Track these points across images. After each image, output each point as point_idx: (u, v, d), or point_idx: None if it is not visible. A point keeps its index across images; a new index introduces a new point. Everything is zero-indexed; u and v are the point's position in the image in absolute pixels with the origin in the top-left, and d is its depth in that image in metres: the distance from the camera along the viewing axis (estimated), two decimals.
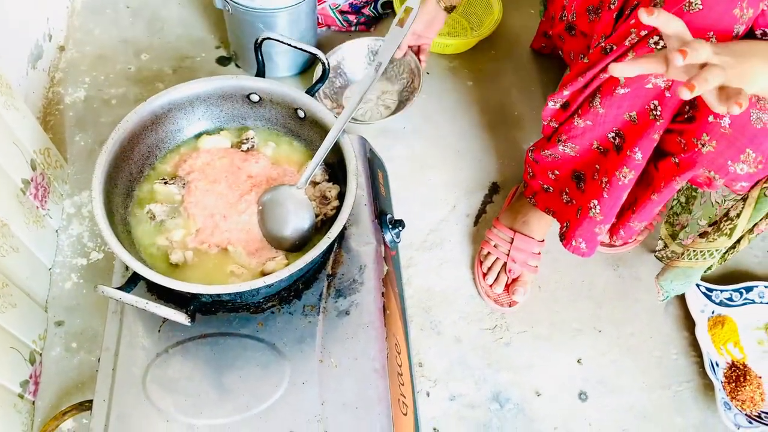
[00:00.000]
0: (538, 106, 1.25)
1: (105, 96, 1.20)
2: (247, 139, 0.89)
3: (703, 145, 0.73)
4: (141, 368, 0.79)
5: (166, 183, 0.84)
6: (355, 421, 0.77)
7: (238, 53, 1.25)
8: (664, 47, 0.70)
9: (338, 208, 0.82)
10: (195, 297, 0.74)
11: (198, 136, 0.90)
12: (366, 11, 1.34)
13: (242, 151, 0.88)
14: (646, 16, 0.55)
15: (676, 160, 0.79)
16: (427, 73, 1.29)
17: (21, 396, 0.85)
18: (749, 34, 0.70)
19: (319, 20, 1.32)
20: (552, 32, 1.06)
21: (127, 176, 0.83)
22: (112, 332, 0.83)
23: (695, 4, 0.66)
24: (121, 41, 1.28)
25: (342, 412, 0.78)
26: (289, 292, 0.84)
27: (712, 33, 0.67)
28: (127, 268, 0.84)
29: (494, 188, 1.17)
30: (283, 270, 0.73)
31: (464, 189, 1.16)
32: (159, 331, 0.82)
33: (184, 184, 0.85)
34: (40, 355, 0.92)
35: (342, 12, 1.33)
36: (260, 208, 0.81)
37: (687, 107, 0.75)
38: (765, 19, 0.70)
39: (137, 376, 0.79)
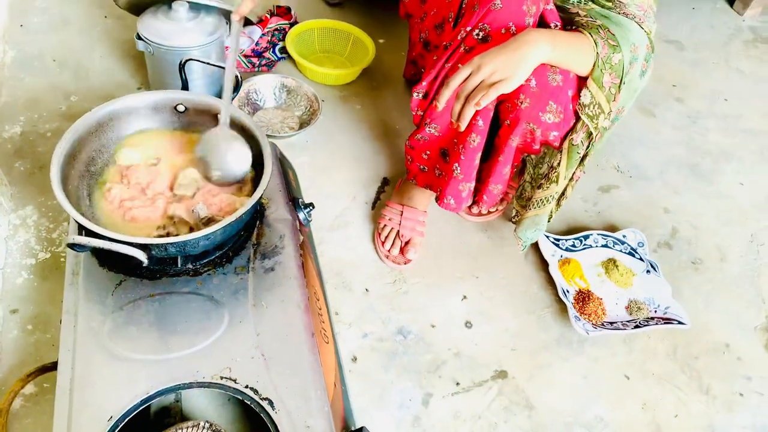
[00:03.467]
0: (411, 119, 1.55)
1: (40, 130, 1.36)
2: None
3: (521, 103, 1.03)
4: (99, 323, 0.93)
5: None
6: (287, 346, 0.95)
7: (158, 89, 1.46)
8: (484, 37, 1.01)
9: (253, 190, 1.00)
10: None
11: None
12: (267, 55, 1.61)
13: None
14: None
15: (508, 122, 1.08)
16: (323, 101, 1.56)
17: None
18: (543, 26, 1.02)
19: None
20: (414, 54, 1.37)
21: (75, 173, 1.00)
22: (70, 298, 0.97)
23: (497, 5, 0.98)
24: (51, 87, 1.46)
25: (275, 340, 0.95)
26: (222, 259, 1.02)
27: (512, 23, 0.99)
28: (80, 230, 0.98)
29: (385, 181, 1.44)
30: (219, 222, 0.93)
31: (361, 184, 1.42)
32: (112, 294, 0.97)
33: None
34: None
35: (246, 56, 1.59)
36: (199, 155, 0.98)
37: None
38: (553, 15, 1.04)
39: (96, 329, 0.92)
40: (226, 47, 1.54)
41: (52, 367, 0.99)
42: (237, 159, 0.99)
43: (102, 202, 0.99)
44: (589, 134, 1.06)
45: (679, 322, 1.23)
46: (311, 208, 1.16)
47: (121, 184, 1.01)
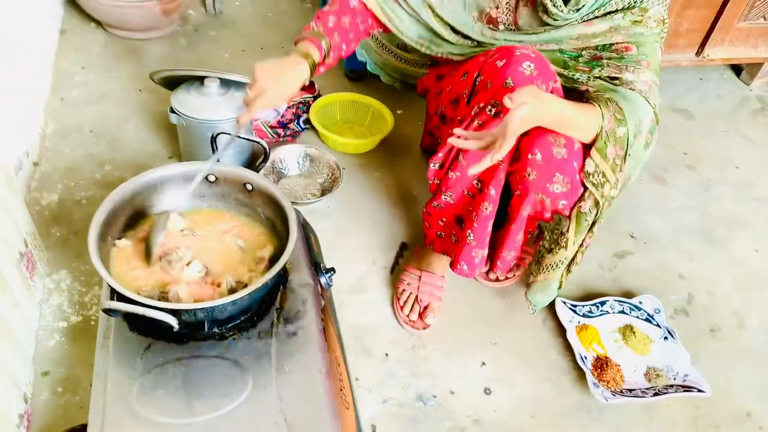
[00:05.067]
0: (428, 187, 1.61)
1: (76, 198, 1.44)
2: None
3: (529, 175, 1.08)
4: (127, 386, 0.96)
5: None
6: (308, 411, 0.97)
7: (189, 160, 1.54)
8: (498, 113, 1.07)
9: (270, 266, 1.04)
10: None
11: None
12: (291, 126, 1.70)
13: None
14: (509, 102, 0.94)
15: (518, 192, 1.13)
16: (344, 169, 1.63)
17: (18, 427, 0.99)
18: None
19: (254, 134, 1.65)
20: (430, 125, 1.43)
21: (111, 240, 1.06)
22: (101, 361, 1.00)
23: (509, 83, 1.04)
24: (87, 156, 1.55)
25: (297, 405, 0.97)
26: (246, 323, 1.06)
27: None
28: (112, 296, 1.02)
29: (403, 246, 1.48)
30: (249, 287, 0.97)
31: (380, 248, 1.46)
32: (141, 358, 1.00)
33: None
34: (30, 398, 1.07)
35: (272, 127, 1.67)
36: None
37: (516, 153, 1.10)
38: (558, 94, 1.10)
39: (125, 392, 0.95)
40: (255, 119, 1.63)
41: (81, 429, 1.01)
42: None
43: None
44: (597, 202, 1.11)
45: (699, 390, 1.23)
46: (332, 272, 1.19)
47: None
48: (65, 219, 1.39)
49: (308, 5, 2.36)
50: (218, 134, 1.19)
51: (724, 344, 1.39)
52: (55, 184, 1.47)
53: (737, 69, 2.38)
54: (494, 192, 1.13)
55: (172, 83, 1.50)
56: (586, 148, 1.08)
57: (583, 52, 1.18)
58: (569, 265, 1.22)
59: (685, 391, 1.23)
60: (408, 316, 1.31)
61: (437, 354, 1.27)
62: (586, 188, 1.10)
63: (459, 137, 1.02)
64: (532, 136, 1.03)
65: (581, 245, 1.19)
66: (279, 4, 2.33)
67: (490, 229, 1.18)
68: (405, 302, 1.32)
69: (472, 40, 1.26)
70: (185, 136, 1.50)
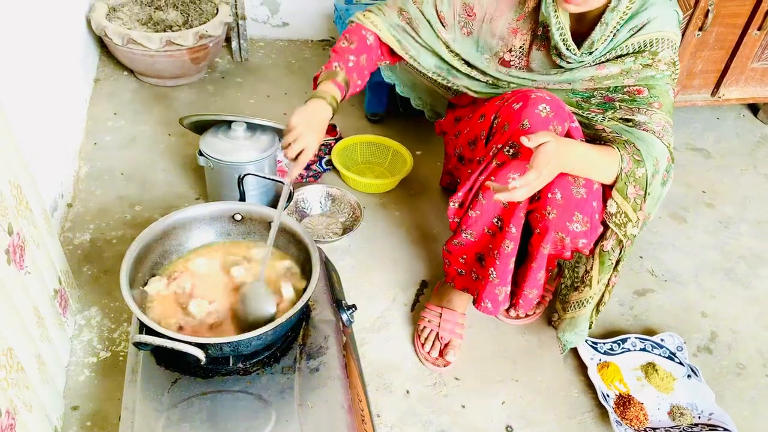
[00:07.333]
0: (447, 225, 1.63)
1: (107, 237, 1.49)
2: None
3: (549, 214, 1.11)
4: (154, 419, 0.98)
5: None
6: None
7: (215, 200, 1.59)
8: (515, 153, 1.10)
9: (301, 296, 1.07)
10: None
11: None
12: (314, 167, 1.75)
13: None
14: (526, 141, 0.98)
15: (538, 231, 1.15)
16: (364, 208, 1.67)
17: None
18: None
19: (278, 174, 1.70)
20: (449, 166, 1.47)
21: (141, 276, 1.10)
22: (129, 395, 1.03)
23: (525, 125, 1.08)
24: (118, 198, 1.61)
25: None
26: (270, 358, 1.08)
27: None
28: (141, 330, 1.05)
29: (423, 284, 1.50)
30: (270, 323, 1.00)
31: (401, 286, 1.48)
32: (168, 392, 1.03)
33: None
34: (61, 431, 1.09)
35: None
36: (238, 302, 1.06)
37: (535, 193, 1.13)
38: (578, 132, 1.13)
39: (152, 426, 0.98)
40: (279, 161, 1.69)
41: None
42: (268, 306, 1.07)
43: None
44: (620, 241, 1.12)
45: (725, 429, 1.21)
46: (354, 309, 1.22)
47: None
48: (97, 258, 1.44)
49: (330, 53, 2.45)
50: (245, 175, 1.24)
51: (749, 383, 1.37)
52: (87, 224, 1.52)
53: (754, 108, 2.40)
54: (515, 230, 1.15)
55: (200, 128, 1.56)
56: (605, 188, 1.11)
57: (595, 93, 1.22)
58: (597, 306, 1.23)
59: (710, 430, 1.21)
60: (429, 353, 1.32)
61: (458, 391, 1.27)
62: (607, 227, 1.12)
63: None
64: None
65: (607, 285, 1.20)
66: (302, 51, 2.43)
67: (512, 266, 1.20)
68: (426, 339, 1.33)
69: (486, 74, 1.31)
70: (213, 178, 1.55)
